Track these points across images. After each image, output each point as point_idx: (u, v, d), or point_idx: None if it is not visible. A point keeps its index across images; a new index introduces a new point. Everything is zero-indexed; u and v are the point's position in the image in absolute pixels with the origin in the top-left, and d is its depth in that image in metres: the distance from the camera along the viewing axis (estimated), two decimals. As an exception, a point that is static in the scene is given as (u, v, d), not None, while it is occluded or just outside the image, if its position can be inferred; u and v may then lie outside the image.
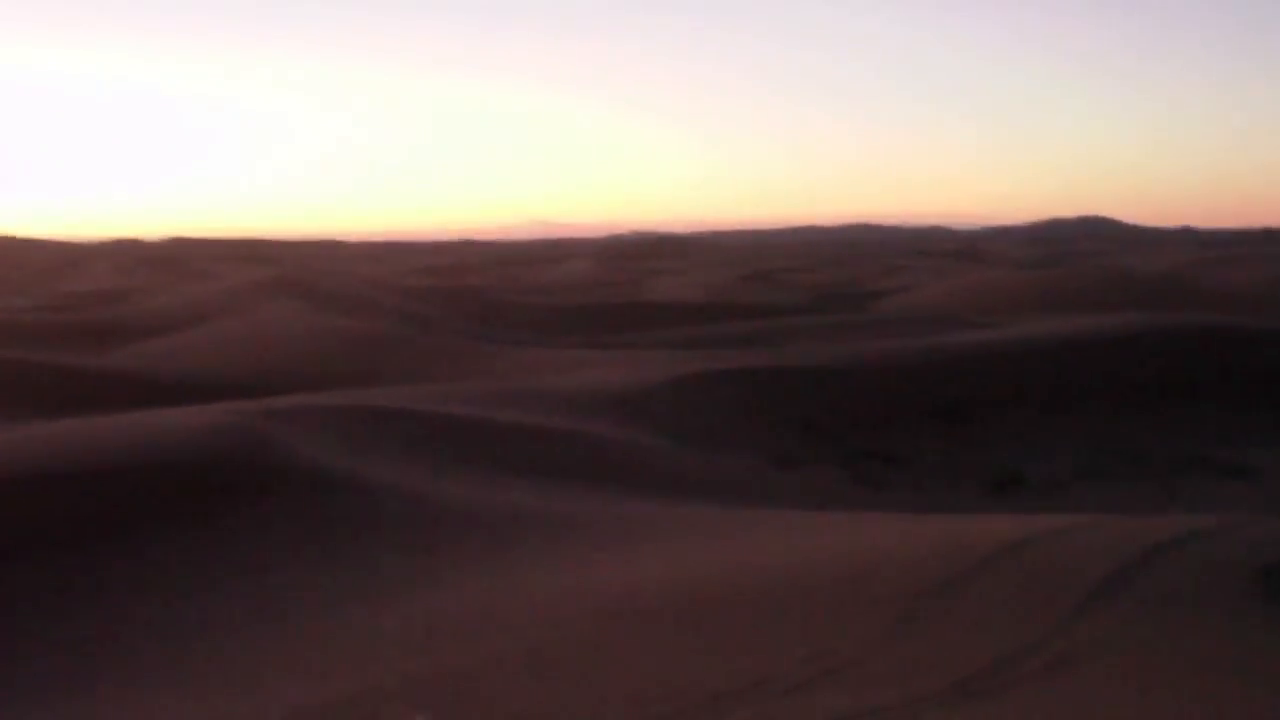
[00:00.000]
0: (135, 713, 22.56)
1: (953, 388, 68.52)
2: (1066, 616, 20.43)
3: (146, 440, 37.81)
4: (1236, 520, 27.85)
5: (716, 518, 34.70)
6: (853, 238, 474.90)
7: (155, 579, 30.74)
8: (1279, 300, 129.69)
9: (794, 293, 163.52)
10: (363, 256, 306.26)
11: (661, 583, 25.51)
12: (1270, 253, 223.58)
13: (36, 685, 24.96)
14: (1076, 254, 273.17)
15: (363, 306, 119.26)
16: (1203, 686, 16.63)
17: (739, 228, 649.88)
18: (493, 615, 25.05)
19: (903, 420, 64.91)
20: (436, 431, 46.43)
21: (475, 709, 18.92)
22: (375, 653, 23.69)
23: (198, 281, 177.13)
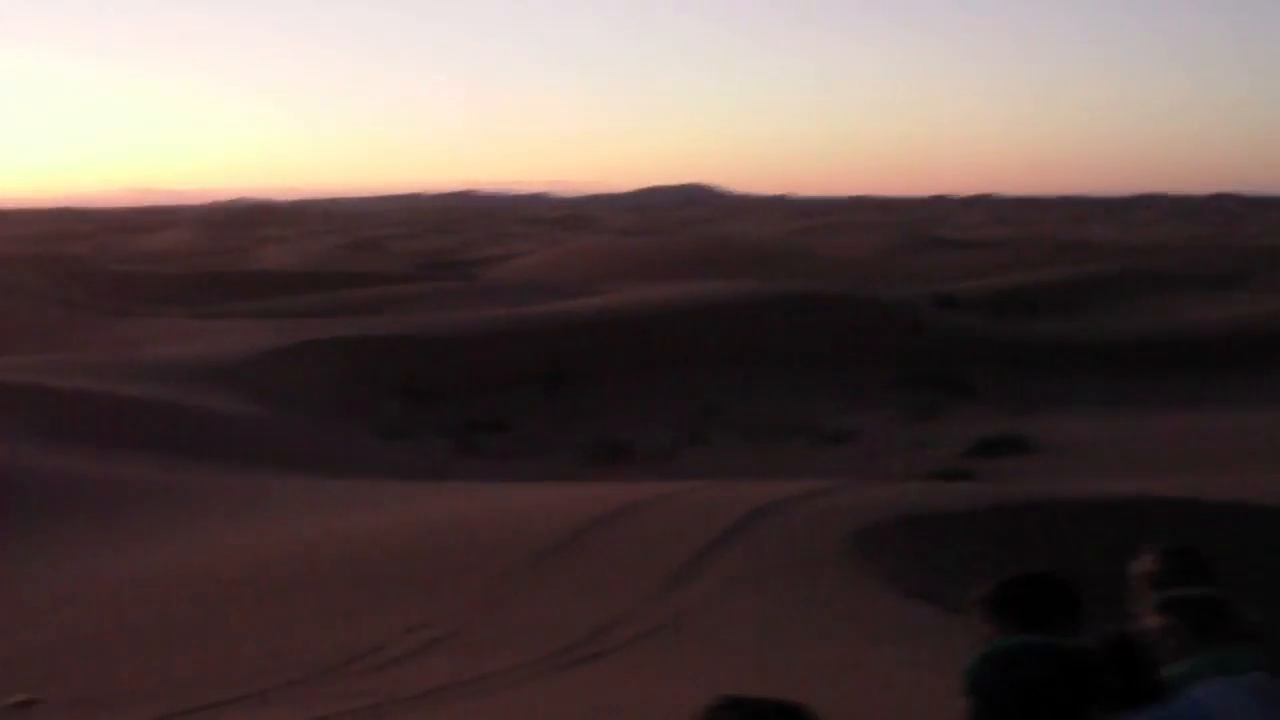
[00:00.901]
0: None
1: (558, 356, 68.96)
2: (667, 582, 20.83)
3: None
4: (833, 485, 28.71)
5: (321, 490, 34.51)
6: (457, 205, 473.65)
7: None
8: (878, 267, 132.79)
9: (399, 260, 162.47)
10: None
11: (266, 555, 25.34)
12: (865, 220, 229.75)
13: None
14: (678, 221, 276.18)
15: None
16: (800, 646, 17.09)
17: (342, 195, 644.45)
18: (101, 591, 24.58)
19: (508, 389, 65.18)
20: (40, 406, 45.23)
21: (70, 685, 18.59)
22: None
23: None
